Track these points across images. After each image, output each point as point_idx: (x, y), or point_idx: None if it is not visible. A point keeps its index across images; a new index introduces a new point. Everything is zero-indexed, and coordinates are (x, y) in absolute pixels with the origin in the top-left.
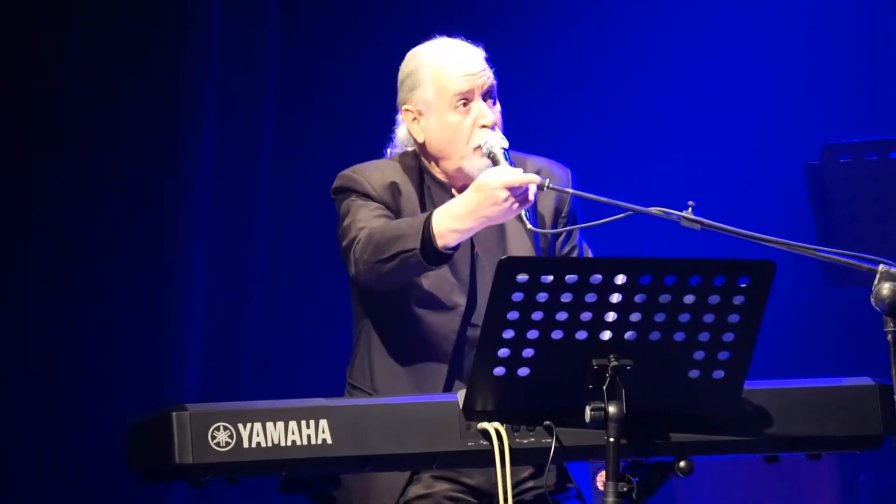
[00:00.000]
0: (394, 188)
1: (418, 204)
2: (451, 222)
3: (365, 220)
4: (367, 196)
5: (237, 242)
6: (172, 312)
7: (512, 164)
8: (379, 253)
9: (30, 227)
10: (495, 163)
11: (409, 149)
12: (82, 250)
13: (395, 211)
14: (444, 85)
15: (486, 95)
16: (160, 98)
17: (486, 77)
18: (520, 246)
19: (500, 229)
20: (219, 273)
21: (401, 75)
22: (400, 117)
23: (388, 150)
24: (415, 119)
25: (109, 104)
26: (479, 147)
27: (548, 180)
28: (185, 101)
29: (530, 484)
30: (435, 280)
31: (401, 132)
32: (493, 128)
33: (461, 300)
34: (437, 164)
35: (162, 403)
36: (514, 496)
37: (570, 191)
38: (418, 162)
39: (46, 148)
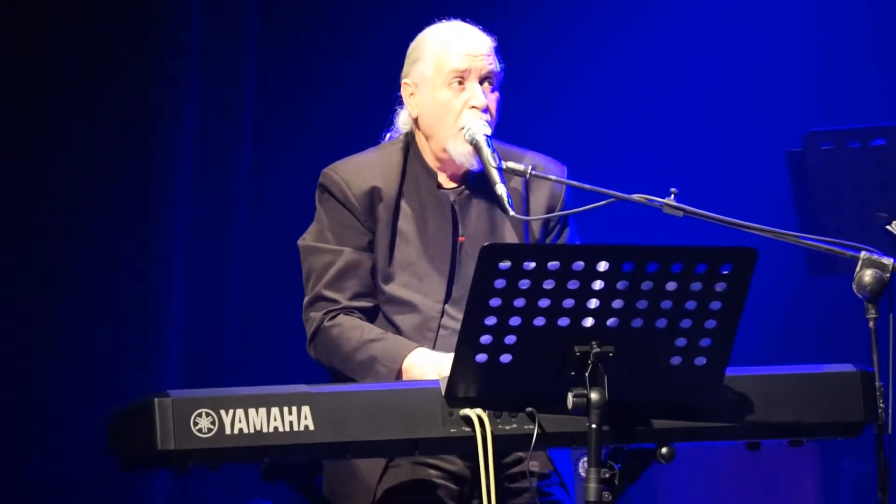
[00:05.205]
0: (374, 194)
1: (393, 213)
2: (419, 374)
3: (329, 278)
4: (342, 204)
5: (217, 230)
6: (153, 301)
7: (495, 151)
8: (342, 364)
9: (8, 223)
10: (478, 150)
11: (405, 130)
12: (61, 241)
13: (371, 220)
14: (443, 60)
15: (485, 80)
16: (140, 95)
17: (488, 62)
18: (510, 238)
19: (490, 221)
20: (199, 261)
21: (409, 49)
22: (401, 95)
23: (388, 135)
24: (412, 94)
25: (89, 102)
26: (464, 128)
27: (531, 167)
28: (165, 98)
29: (512, 470)
30: (417, 268)
31: (401, 115)
32: (484, 111)
33: (443, 287)
34: (428, 144)
35: (143, 393)
36: (496, 482)
37: (553, 178)
38: (406, 152)
39: (25, 145)
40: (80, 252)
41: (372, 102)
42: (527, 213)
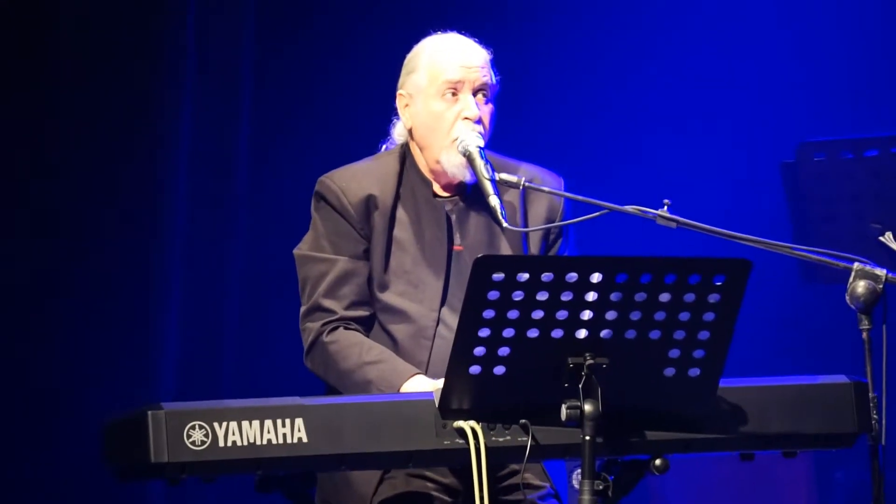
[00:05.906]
0: (370, 202)
1: (388, 221)
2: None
3: (325, 287)
4: (338, 212)
5: (215, 240)
6: (150, 311)
7: (488, 163)
8: (338, 381)
9: (5, 226)
10: (471, 162)
11: (401, 141)
12: (59, 249)
13: (367, 228)
14: (437, 71)
15: (479, 92)
16: (138, 96)
17: (482, 74)
18: (506, 250)
19: (489, 232)
20: (196, 271)
21: (405, 61)
22: (397, 106)
23: (384, 146)
24: (406, 105)
25: (88, 101)
26: (456, 139)
27: (524, 178)
28: (163, 98)
29: (506, 482)
30: (413, 276)
31: (397, 126)
32: (477, 122)
33: (439, 295)
34: (423, 155)
35: (139, 403)
36: (489, 494)
37: (546, 189)
38: (403, 161)
39: (24, 146)
40: (77, 256)
41: (369, 103)
42: (525, 225)
